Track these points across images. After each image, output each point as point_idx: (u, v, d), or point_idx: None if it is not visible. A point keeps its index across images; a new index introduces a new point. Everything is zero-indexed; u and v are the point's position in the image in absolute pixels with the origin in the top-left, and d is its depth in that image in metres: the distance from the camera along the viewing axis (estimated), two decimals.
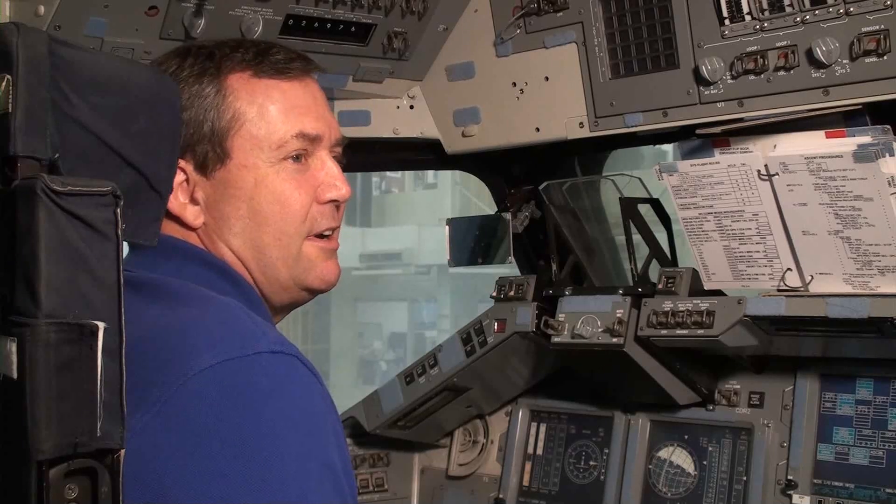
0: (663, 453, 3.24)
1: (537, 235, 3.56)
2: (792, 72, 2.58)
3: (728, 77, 2.68)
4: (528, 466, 3.56)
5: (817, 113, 2.59)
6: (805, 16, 2.53)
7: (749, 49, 2.63)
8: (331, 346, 18.48)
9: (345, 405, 3.61)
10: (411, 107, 3.33)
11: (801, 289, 2.81)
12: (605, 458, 3.36)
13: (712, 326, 2.88)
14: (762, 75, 2.62)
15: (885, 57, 2.42)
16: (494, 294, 3.41)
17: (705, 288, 3.00)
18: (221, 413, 1.57)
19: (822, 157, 2.63)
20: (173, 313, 1.70)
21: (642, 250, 3.15)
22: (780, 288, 2.85)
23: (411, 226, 18.26)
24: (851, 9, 2.45)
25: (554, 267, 3.32)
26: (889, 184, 2.55)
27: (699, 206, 2.92)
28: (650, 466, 3.26)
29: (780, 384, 3.05)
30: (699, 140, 2.85)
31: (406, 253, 18.39)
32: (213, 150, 1.87)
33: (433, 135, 3.36)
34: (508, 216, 3.52)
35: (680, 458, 3.21)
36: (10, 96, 1.53)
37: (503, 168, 3.59)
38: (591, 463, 3.41)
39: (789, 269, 2.83)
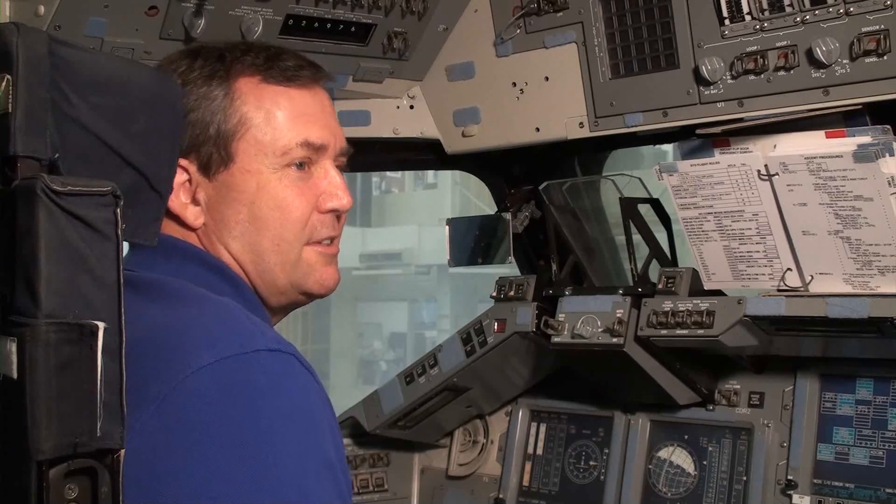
0: (663, 453, 3.24)
1: (537, 235, 3.56)
2: (792, 72, 2.58)
3: (728, 77, 2.68)
4: (528, 466, 3.55)
5: (817, 113, 2.59)
6: (805, 16, 2.53)
7: (749, 49, 2.63)
8: (331, 346, 18.48)
9: (345, 405, 3.61)
10: (411, 107, 3.33)
11: (801, 289, 2.81)
12: (605, 458, 3.36)
13: (712, 326, 2.88)
14: (762, 75, 2.62)
15: (885, 57, 2.42)
16: (494, 294, 3.41)
17: (705, 288, 3.00)
18: (220, 411, 1.57)
19: (822, 157, 2.63)
20: (172, 313, 1.70)
21: (642, 250, 3.15)
22: (780, 288, 2.85)
23: (411, 226, 18.25)
24: (851, 9, 2.45)
25: (554, 267, 3.32)
26: (889, 184, 2.55)
27: (699, 206, 2.92)
28: (650, 466, 3.26)
29: (780, 384, 3.05)
30: (699, 140, 2.85)
31: (406, 253, 18.39)
32: (218, 152, 1.88)
33: (433, 135, 3.36)
34: (508, 216, 3.52)
35: (680, 458, 3.21)
36: (10, 96, 1.53)
37: (503, 168, 3.59)
38: (591, 463, 3.41)
39: (789, 269, 2.83)
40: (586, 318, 3.11)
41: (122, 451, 1.48)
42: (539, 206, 3.49)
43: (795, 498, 2.95)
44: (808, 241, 2.76)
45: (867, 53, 2.44)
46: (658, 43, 2.80)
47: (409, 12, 3.01)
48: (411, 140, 3.37)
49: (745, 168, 2.78)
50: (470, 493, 3.69)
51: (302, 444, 1.60)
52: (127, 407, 1.49)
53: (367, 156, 3.39)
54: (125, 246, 1.74)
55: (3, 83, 1.53)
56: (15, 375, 1.45)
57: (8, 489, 1.46)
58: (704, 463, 3.16)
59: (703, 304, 2.91)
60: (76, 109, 1.61)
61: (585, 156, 3.59)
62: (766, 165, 2.75)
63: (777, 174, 2.73)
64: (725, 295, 2.97)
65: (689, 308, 2.93)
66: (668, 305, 2.97)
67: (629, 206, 3.15)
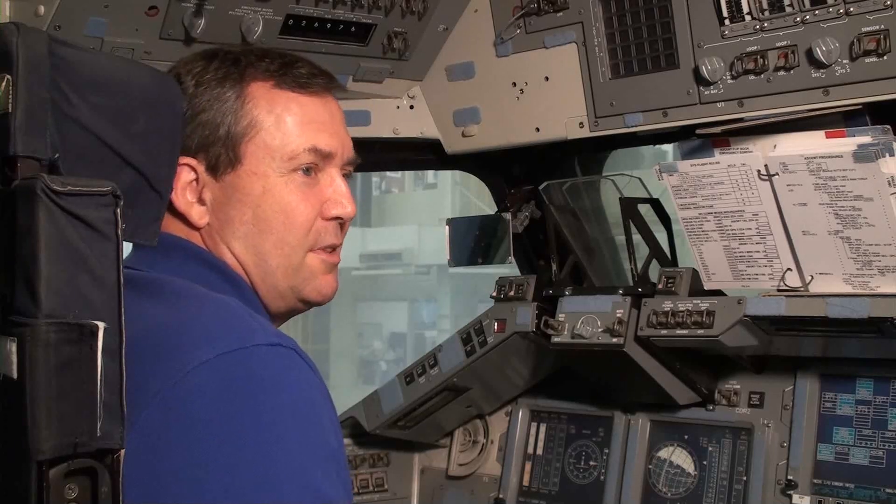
0: (663, 453, 3.24)
1: (537, 235, 3.56)
2: (792, 72, 2.58)
3: (728, 77, 2.68)
4: (528, 466, 3.55)
5: (817, 113, 2.59)
6: (805, 16, 2.53)
7: (749, 49, 2.63)
8: (331, 345, 18.46)
9: (345, 405, 3.61)
10: (411, 107, 3.33)
11: (801, 289, 2.81)
12: (605, 458, 3.36)
13: (712, 326, 2.88)
14: (762, 75, 2.62)
15: (885, 57, 2.42)
16: (494, 294, 3.40)
17: (705, 288, 3.00)
18: (221, 406, 1.57)
19: (822, 157, 2.63)
20: (172, 311, 1.70)
21: (642, 250, 3.15)
22: (780, 288, 2.85)
23: (411, 226, 18.24)
24: (851, 9, 2.45)
25: (554, 267, 3.32)
26: (889, 184, 2.55)
27: (699, 206, 2.92)
28: (650, 466, 3.26)
29: (780, 384, 3.05)
30: (699, 140, 2.85)
31: (406, 253, 18.37)
32: (226, 153, 1.88)
33: (433, 135, 3.36)
34: (508, 216, 3.52)
35: (680, 458, 3.21)
36: (10, 96, 1.53)
37: (503, 168, 3.59)
38: (591, 463, 3.41)
39: (789, 269, 2.83)
40: (586, 318, 3.11)
41: (122, 451, 1.48)
42: (539, 206, 3.49)
43: (795, 498, 2.95)
44: (808, 241, 2.76)
45: (867, 53, 2.44)
46: (658, 43, 2.80)
47: (409, 12, 3.01)
48: (411, 140, 3.37)
49: (745, 168, 2.78)
50: (470, 493, 3.69)
51: (305, 437, 1.61)
52: (127, 406, 1.49)
53: (367, 156, 3.37)
54: (127, 246, 1.74)
55: (3, 83, 1.53)
56: (15, 375, 1.45)
57: (8, 489, 1.46)
58: (704, 463, 3.16)
59: (703, 304, 2.91)
60: (76, 109, 1.61)
61: (585, 156, 3.59)
62: (766, 165, 2.75)
63: (777, 174, 2.73)
64: (725, 295, 2.97)
65: (689, 308, 2.93)
66: (668, 305, 2.97)
67: (629, 206, 3.15)
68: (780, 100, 2.62)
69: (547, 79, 3.06)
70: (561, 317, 3.17)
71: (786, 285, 2.84)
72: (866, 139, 2.56)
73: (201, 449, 1.55)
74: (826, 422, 2.96)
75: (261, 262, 1.91)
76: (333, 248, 1.97)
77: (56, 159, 1.56)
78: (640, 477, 3.26)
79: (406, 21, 3.04)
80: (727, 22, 2.65)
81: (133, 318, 1.54)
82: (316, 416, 1.64)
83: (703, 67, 2.68)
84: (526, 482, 3.55)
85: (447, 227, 3.62)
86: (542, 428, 3.55)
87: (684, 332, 2.93)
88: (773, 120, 2.66)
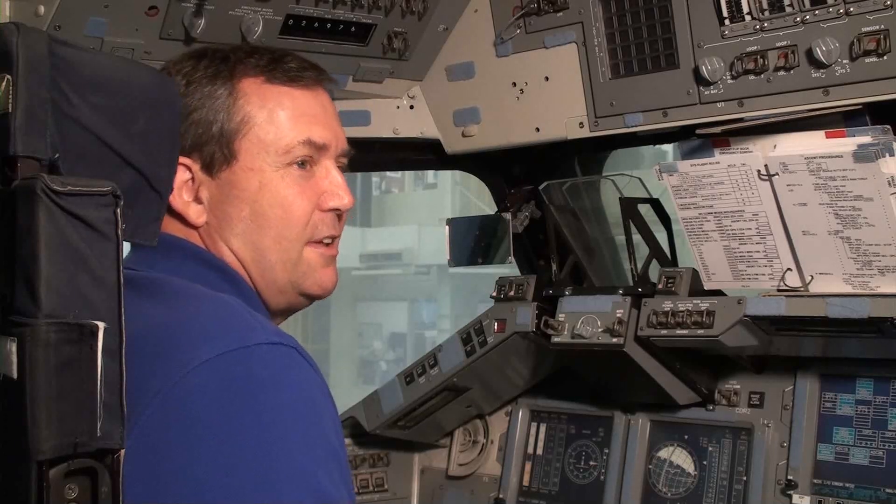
0: (663, 453, 3.24)
1: (537, 235, 3.56)
2: (792, 72, 2.58)
3: (728, 77, 2.68)
4: (528, 466, 3.55)
5: (817, 113, 2.59)
6: (805, 16, 2.53)
7: (749, 49, 2.63)
8: (331, 345, 18.46)
9: (345, 405, 3.61)
10: (411, 107, 3.33)
11: (801, 289, 2.81)
12: (605, 458, 3.36)
13: (712, 326, 2.88)
14: (762, 75, 2.62)
15: (885, 57, 2.43)
16: (494, 294, 3.40)
17: (705, 288, 3.00)
18: (222, 405, 1.57)
19: (822, 157, 2.63)
20: (171, 310, 1.70)
21: (642, 250, 3.15)
22: (780, 288, 2.85)
23: (411, 226, 18.24)
24: (851, 9, 2.45)
25: (554, 267, 3.32)
26: (889, 184, 2.55)
27: (699, 206, 2.92)
28: (650, 466, 3.26)
29: (780, 384, 3.05)
30: (699, 140, 2.85)
31: (406, 253, 18.37)
32: (221, 151, 1.89)
33: (433, 135, 3.36)
34: (508, 216, 3.52)
35: (680, 458, 3.21)
36: (10, 96, 1.53)
37: (503, 168, 3.59)
38: (591, 463, 3.41)
39: (789, 269, 2.83)
40: (586, 318, 3.11)
41: (122, 451, 1.48)
42: (539, 206, 3.49)
43: (795, 498, 2.95)
44: (808, 241, 2.76)
45: (867, 53, 2.44)
46: (658, 43, 2.80)
47: (409, 12, 3.01)
48: (411, 140, 3.37)
49: (745, 168, 2.78)
50: (470, 493, 3.69)
51: (306, 437, 1.60)
52: (127, 406, 1.49)
53: (367, 156, 3.40)
54: (126, 246, 1.74)
55: (3, 83, 1.53)
56: (15, 375, 1.45)
57: (8, 489, 1.46)
58: (704, 463, 3.16)
59: (703, 304, 2.91)
60: (76, 109, 1.61)
61: (585, 156, 3.59)
62: (766, 165, 2.75)
63: (777, 174, 2.73)
64: (725, 295, 2.97)
65: (689, 308, 2.93)
66: (668, 305, 2.97)
67: (629, 206, 3.15)
68: (780, 100, 2.62)
69: (547, 79, 3.06)
70: (561, 317, 3.17)
71: (786, 285, 2.84)
72: (866, 139, 2.56)
73: (202, 449, 1.55)
74: (826, 422, 2.96)
75: (260, 258, 1.91)
76: (332, 241, 1.97)
77: (56, 159, 1.56)
78: (640, 477, 3.26)
79: (406, 21, 3.04)
80: (727, 22, 2.66)
81: (132, 318, 1.53)
82: (317, 415, 1.64)
83: (703, 67, 2.68)
84: (526, 482, 3.55)
85: (447, 227, 3.62)
86: (542, 428, 3.55)
87: (684, 332, 2.93)
88: (773, 120, 2.66)
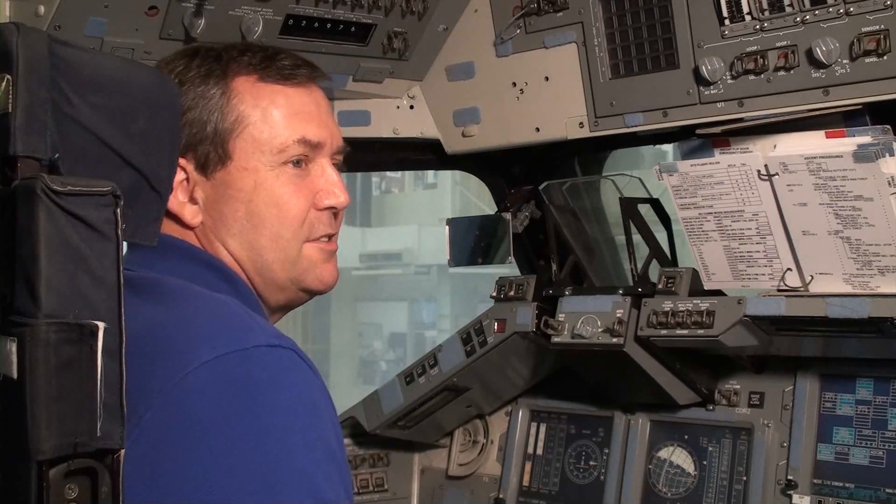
0: (663, 453, 3.24)
1: (537, 235, 3.56)
2: (792, 72, 2.58)
3: (728, 77, 2.68)
4: (528, 466, 3.56)
5: (817, 113, 2.59)
6: (805, 16, 2.53)
7: (749, 49, 2.63)
8: (331, 345, 18.45)
9: (345, 405, 3.61)
10: (411, 107, 3.33)
11: (801, 289, 2.81)
12: (605, 458, 3.36)
13: (712, 326, 2.88)
14: (762, 75, 2.62)
15: (885, 57, 2.42)
16: (494, 294, 3.40)
17: (705, 288, 3.00)
18: (221, 407, 1.57)
19: (822, 157, 2.63)
20: (170, 311, 1.70)
21: (642, 250, 3.15)
22: (780, 288, 2.85)
23: (411, 226, 18.23)
24: (851, 9, 2.45)
25: (554, 267, 3.32)
26: (889, 184, 2.55)
27: (699, 206, 2.92)
28: (650, 466, 3.26)
29: (780, 384, 3.05)
30: (699, 140, 2.85)
31: (406, 253, 18.36)
32: (215, 150, 1.88)
33: (433, 135, 3.36)
34: (508, 216, 3.52)
35: (680, 458, 3.21)
36: (10, 96, 1.53)
37: (503, 168, 3.59)
38: (591, 463, 3.41)
39: (789, 269, 2.83)
40: (586, 318, 3.11)
41: (122, 451, 1.48)
42: (539, 206, 3.49)
43: (795, 498, 2.95)
44: (808, 241, 2.76)
45: (867, 53, 2.44)
46: (658, 43, 2.80)
47: (409, 12, 3.01)
48: (411, 140, 3.37)
49: (745, 168, 2.78)
50: (470, 493, 3.69)
51: (305, 437, 1.60)
52: (127, 406, 1.49)
53: (367, 156, 3.40)
54: (124, 246, 1.74)
55: (3, 83, 1.53)
56: (15, 375, 1.45)
57: (8, 489, 1.46)
58: (704, 463, 3.16)
59: (703, 304, 2.91)
60: (76, 109, 1.61)
61: (585, 156, 3.60)
62: (766, 165, 2.75)
63: (777, 174, 2.73)
64: (725, 295, 2.97)
65: (689, 308, 2.93)
66: (668, 305, 2.97)
67: (629, 206, 3.15)
68: (780, 100, 2.62)
69: (547, 79, 3.06)
70: (561, 317, 3.17)
71: (786, 285, 2.84)
72: (866, 139, 2.56)
73: (201, 450, 1.55)
74: (826, 422, 2.96)
75: (256, 258, 1.91)
76: (329, 238, 1.97)
77: (56, 159, 1.55)
78: (640, 477, 3.26)
79: (406, 21, 3.04)
80: (727, 22, 2.66)
81: (130, 318, 1.53)
82: (316, 416, 1.63)
83: (703, 67, 2.68)
84: (526, 482, 3.55)
85: (447, 227, 3.62)
86: (542, 428, 3.55)
87: (684, 332, 2.93)
88: (773, 120, 2.66)
